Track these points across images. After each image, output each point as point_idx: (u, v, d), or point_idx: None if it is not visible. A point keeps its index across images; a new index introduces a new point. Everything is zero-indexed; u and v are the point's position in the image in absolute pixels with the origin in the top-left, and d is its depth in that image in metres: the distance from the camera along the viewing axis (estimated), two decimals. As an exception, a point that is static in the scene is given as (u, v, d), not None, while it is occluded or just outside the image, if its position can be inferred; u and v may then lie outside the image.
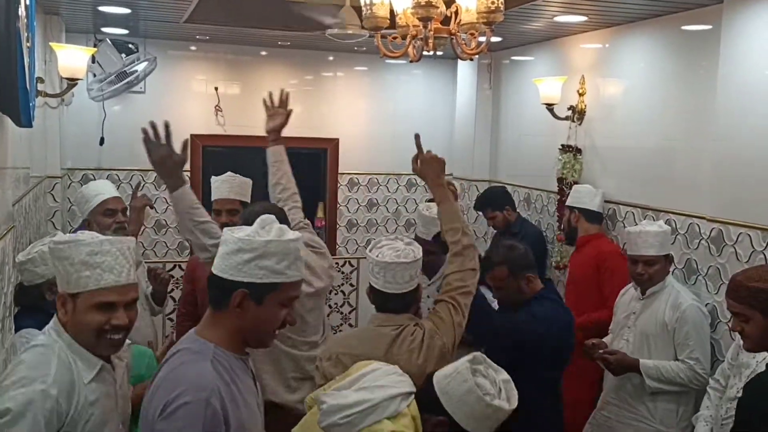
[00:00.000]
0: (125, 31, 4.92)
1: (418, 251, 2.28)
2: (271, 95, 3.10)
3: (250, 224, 1.75)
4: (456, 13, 2.72)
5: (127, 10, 4.12)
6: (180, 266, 5.23)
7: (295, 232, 1.75)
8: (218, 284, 1.68)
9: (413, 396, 1.91)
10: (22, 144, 3.09)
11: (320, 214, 5.90)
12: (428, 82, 6.01)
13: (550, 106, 4.30)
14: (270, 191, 3.06)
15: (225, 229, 1.75)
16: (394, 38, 2.84)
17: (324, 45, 5.28)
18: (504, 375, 1.96)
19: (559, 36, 4.56)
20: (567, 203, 4.04)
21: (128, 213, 3.32)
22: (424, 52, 2.79)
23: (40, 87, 3.55)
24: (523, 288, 2.72)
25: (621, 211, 3.97)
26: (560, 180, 4.37)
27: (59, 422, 1.61)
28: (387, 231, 6.00)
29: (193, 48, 5.46)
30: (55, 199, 4.58)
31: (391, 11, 2.73)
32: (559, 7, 3.68)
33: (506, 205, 4.40)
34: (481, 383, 1.85)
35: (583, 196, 3.96)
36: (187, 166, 5.29)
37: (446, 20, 2.75)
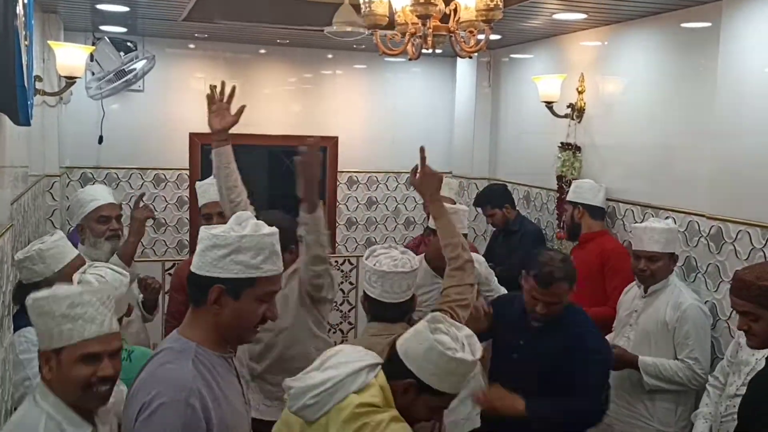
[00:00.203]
0: (123, 30, 4.91)
1: (414, 261, 2.29)
2: (215, 88, 2.78)
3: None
4: (455, 10, 2.72)
5: (125, 8, 4.11)
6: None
7: (272, 228, 1.73)
8: (196, 282, 1.68)
9: (380, 367, 1.90)
10: (20, 143, 3.08)
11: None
12: (427, 80, 6.00)
13: (549, 104, 4.29)
14: (221, 195, 2.78)
15: (201, 227, 1.74)
16: (393, 36, 2.84)
17: (323, 43, 5.28)
18: (467, 331, 1.92)
19: (559, 33, 4.56)
20: (569, 199, 4.00)
21: (130, 223, 3.30)
22: (423, 50, 2.79)
23: (38, 85, 3.54)
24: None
25: (621, 208, 3.97)
26: (559, 178, 4.37)
27: None
28: (386, 229, 6.00)
29: (191, 46, 5.45)
30: (53, 198, 4.57)
31: (390, 9, 2.73)
32: (558, 5, 3.68)
33: (506, 203, 4.40)
34: (442, 339, 1.83)
35: (587, 192, 3.92)
36: (186, 165, 5.40)
37: (445, 18, 2.75)
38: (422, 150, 2.54)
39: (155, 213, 5.26)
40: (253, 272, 1.66)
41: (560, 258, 2.66)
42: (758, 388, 2.12)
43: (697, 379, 2.94)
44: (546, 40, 4.75)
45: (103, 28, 4.86)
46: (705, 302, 3.14)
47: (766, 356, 2.26)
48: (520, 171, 5.12)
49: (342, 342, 3.85)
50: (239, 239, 1.65)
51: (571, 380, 2.53)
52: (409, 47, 2.80)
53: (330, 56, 5.81)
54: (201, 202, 3.49)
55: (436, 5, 2.55)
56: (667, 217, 3.51)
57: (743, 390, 2.37)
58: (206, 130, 2.84)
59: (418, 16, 2.58)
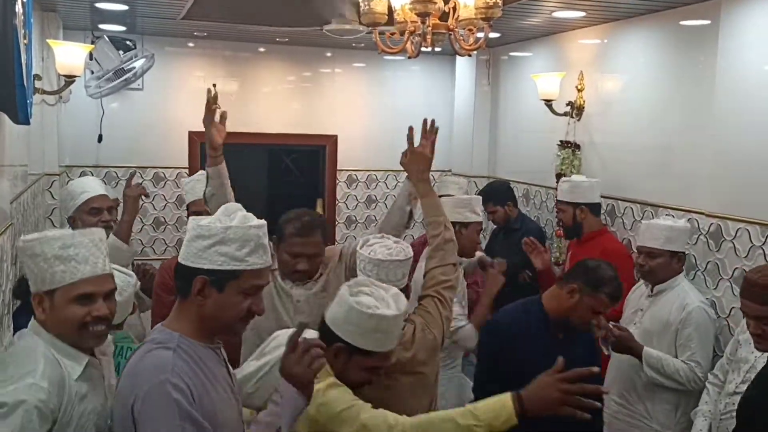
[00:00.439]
0: (123, 28, 4.91)
1: (408, 250, 2.30)
2: (215, 93, 2.58)
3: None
4: (454, 8, 2.72)
5: (124, 7, 4.11)
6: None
7: (260, 220, 1.72)
8: (182, 273, 1.68)
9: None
10: (19, 141, 3.08)
11: (319, 210, 5.90)
12: (427, 78, 6.00)
13: (548, 102, 4.29)
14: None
15: (190, 218, 1.73)
16: (392, 34, 2.84)
17: (322, 41, 5.27)
18: (394, 290, 1.97)
19: (558, 32, 4.56)
20: (567, 200, 3.89)
21: (123, 201, 3.28)
22: (423, 48, 2.79)
23: (37, 84, 3.54)
24: None
25: (620, 206, 3.97)
26: (559, 176, 4.36)
27: (53, 415, 1.59)
28: (386, 227, 6.00)
29: (190, 45, 5.45)
30: (53, 197, 4.57)
31: (389, 7, 2.73)
32: (557, 3, 3.68)
33: (508, 200, 4.39)
34: (361, 300, 1.87)
35: (586, 191, 3.85)
36: (186, 163, 5.40)
37: (444, 16, 2.75)
38: (410, 129, 2.61)
39: (154, 213, 5.29)
40: (238, 264, 1.64)
41: (613, 268, 2.67)
42: (760, 388, 2.11)
43: (697, 381, 2.89)
44: (545, 38, 4.75)
45: (103, 26, 4.86)
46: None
47: (766, 355, 2.26)
48: (520, 169, 5.12)
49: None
50: (224, 230, 1.63)
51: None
52: (408, 45, 2.80)
53: (329, 54, 5.81)
54: (189, 199, 3.42)
55: (435, 3, 2.55)
56: (663, 215, 3.50)
57: (742, 388, 2.37)
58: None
59: (418, 14, 2.58)
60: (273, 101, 5.66)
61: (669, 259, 3.07)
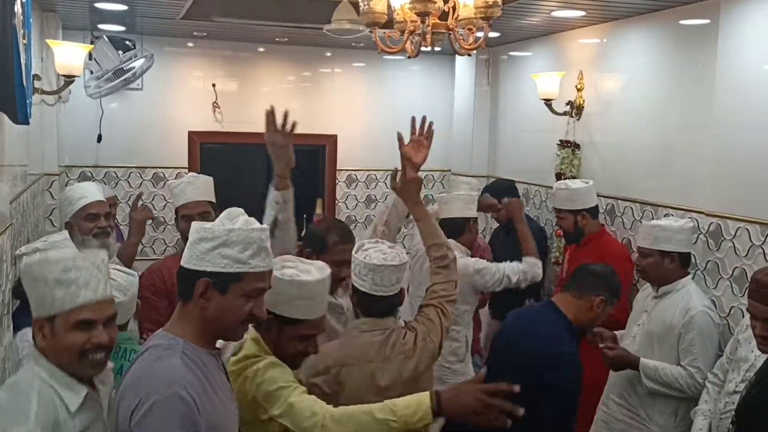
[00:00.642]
0: (122, 28, 4.91)
1: (403, 255, 2.30)
2: (273, 110, 2.54)
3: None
4: (454, 8, 2.72)
5: (123, 7, 4.11)
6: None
7: (263, 224, 1.74)
8: (185, 276, 1.68)
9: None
10: (19, 141, 3.08)
11: (318, 210, 5.89)
12: (426, 78, 6.01)
13: (548, 102, 4.29)
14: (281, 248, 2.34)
15: (194, 222, 1.73)
16: (392, 34, 2.84)
17: (322, 41, 5.27)
18: (320, 263, 2.05)
19: (557, 31, 4.56)
20: (567, 207, 3.79)
21: (129, 224, 3.31)
22: (422, 48, 2.79)
23: (36, 84, 3.54)
24: None
25: (620, 206, 3.97)
26: (558, 175, 4.36)
27: None
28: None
29: (190, 44, 5.45)
30: (52, 197, 4.57)
31: (389, 6, 2.73)
32: (557, 2, 3.68)
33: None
34: (285, 272, 1.93)
35: (585, 196, 3.78)
36: (185, 163, 5.40)
37: (444, 15, 2.75)
38: (400, 139, 2.68)
39: (154, 212, 5.28)
40: (241, 267, 1.65)
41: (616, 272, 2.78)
42: (759, 387, 2.10)
43: (697, 387, 2.85)
44: (545, 37, 4.75)
45: (102, 26, 4.86)
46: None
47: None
48: (519, 168, 5.11)
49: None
50: (227, 232, 1.64)
51: None
52: (407, 45, 2.80)
53: (329, 54, 5.81)
54: (179, 202, 3.27)
55: (435, 3, 2.55)
56: (662, 214, 3.49)
57: (742, 387, 2.37)
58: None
59: (417, 14, 2.58)
60: (273, 101, 5.59)
61: (660, 258, 3.02)
